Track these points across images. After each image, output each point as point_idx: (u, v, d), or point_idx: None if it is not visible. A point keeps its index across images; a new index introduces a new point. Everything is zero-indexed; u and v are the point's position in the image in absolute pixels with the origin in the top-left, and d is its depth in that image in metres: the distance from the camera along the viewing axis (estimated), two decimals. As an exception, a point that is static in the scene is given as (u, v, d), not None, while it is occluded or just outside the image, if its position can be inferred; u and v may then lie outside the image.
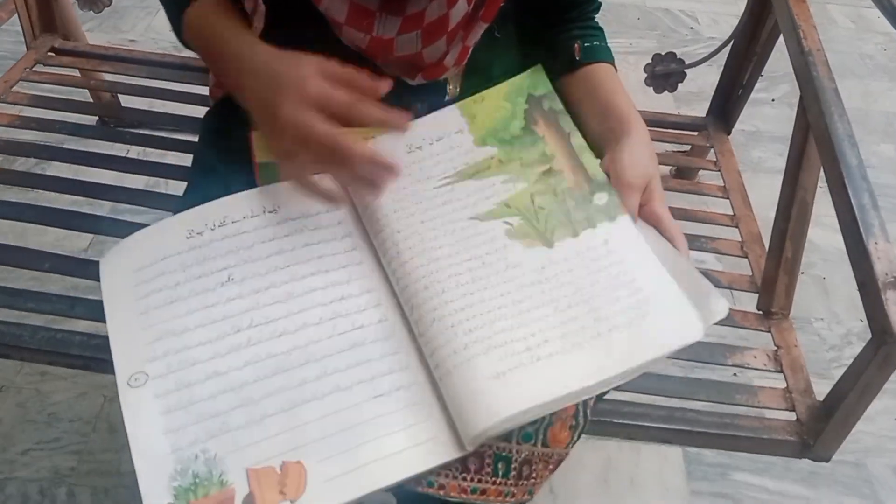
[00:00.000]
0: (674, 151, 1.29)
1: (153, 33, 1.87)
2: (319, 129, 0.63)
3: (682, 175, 1.33)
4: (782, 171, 0.94)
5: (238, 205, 0.72)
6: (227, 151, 0.81)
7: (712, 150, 1.18)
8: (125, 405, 0.61)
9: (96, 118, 1.44)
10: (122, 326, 0.66)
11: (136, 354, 0.64)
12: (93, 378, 1.18)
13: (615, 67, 0.84)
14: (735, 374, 1.12)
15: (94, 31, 1.77)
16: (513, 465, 0.64)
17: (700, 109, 1.30)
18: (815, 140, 0.86)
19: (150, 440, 0.60)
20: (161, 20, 1.90)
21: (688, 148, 1.25)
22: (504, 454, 0.63)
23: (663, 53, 1.17)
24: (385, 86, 0.65)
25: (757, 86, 1.20)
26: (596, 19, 0.86)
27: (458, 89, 0.84)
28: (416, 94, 0.82)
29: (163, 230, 0.73)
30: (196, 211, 0.72)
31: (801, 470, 1.20)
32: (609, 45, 0.84)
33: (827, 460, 0.82)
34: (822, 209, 0.87)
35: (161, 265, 0.69)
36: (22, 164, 1.34)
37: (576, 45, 0.83)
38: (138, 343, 0.64)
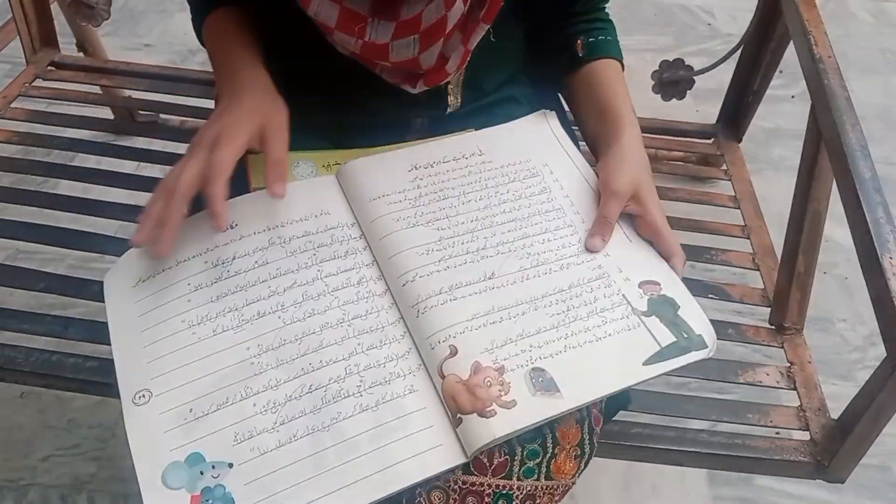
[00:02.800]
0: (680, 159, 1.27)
1: (169, 37, 1.85)
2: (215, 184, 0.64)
3: (679, 183, 1.30)
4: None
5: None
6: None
7: (722, 158, 1.16)
8: (128, 423, 0.61)
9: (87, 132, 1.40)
10: (125, 343, 0.66)
11: (139, 372, 0.63)
12: None
13: (621, 62, 0.83)
14: (732, 391, 1.09)
15: (111, 37, 1.76)
16: (514, 502, 0.62)
17: (717, 105, 1.27)
18: (828, 151, 0.83)
19: (153, 458, 0.59)
20: (177, 24, 1.88)
21: (683, 154, 1.23)
22: (504, 492, 0.62)
23: (671, 59, 1.15)
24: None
25: (776, 82, 1.16)
26: (607, 11, 0.84)
27: (458, 101, 0.83)
28: (415, 109, 0.81)
29: None
30: (188, 221, 0.71)
31: (825, 472, 1.17)
32: (623, 41, 0.83)
33: (842, 482, 0.79)
34: (844, 208, 0.85)
35: (160, 279, 0.68)
36: (20, 181, 1.33)
37: (578, 42, 0.81)
38: (141, 360, 0.64)
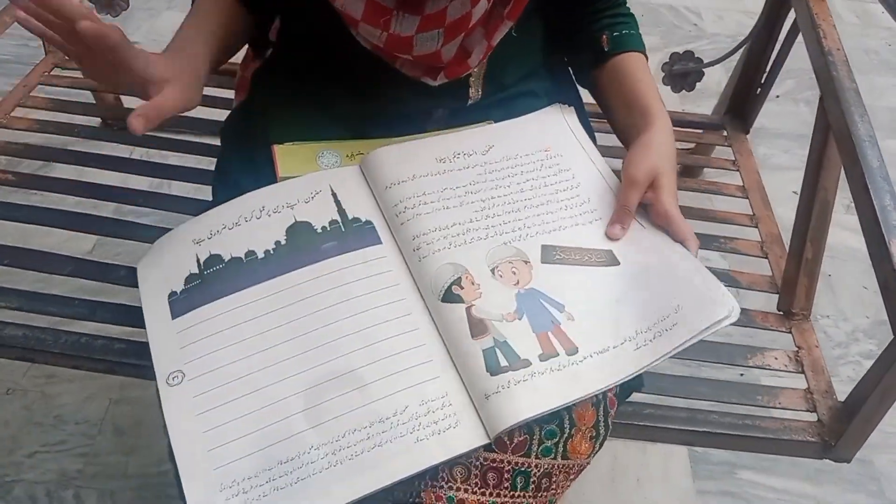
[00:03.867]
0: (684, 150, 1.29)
1: (156, 34, 1.85)
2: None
3: (688, 174, 1.33)
4: (788, 168, 0.93)
5: (254, 203, 0.73)
6: (250, 161, 0.82)
7: (731, 150, 1.18)
8: (164, 402, 0.63)
9: (99, 120, 1.43)
10: (159, 327, 0.68)
11: (172, 354, 0.66)
12: (99, 381, 1.19)
13: (645, 55, 0.84)
14: (742, 374, 1.12)
15: (98, 35, 1.77)
16: (532, 479, 0.64)
17: (706, 107, 1.29)
18: (836, 141, 0.85)
19: (189, 438, 0.61)
20: (164, 22, 1.88)
21: (692, 146, 1.25)
22: (523, 469, 0.64)
23: (681, 52, 1.17)
24: None
25: (761, 82, 1.18)
26: (627, 5, 0.86)
27: (479, 93, 0.84)
28: (436, 100, 0.82)
29: (181, 235, 0.74)
30: (208, 216, 0.74)
31: (806, 467, 1.20)
32: None
33: (848, 461, 0.81)
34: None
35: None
36: (27, 166, 1.33)
37: (604, 37, 0.83)
38: (175, 343, 0.66)
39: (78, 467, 1.12)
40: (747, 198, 1.09)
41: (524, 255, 0.70)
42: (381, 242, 0.71)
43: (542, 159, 0.78)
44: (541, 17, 0.84)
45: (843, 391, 0.84)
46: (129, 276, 0.88)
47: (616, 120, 0.84)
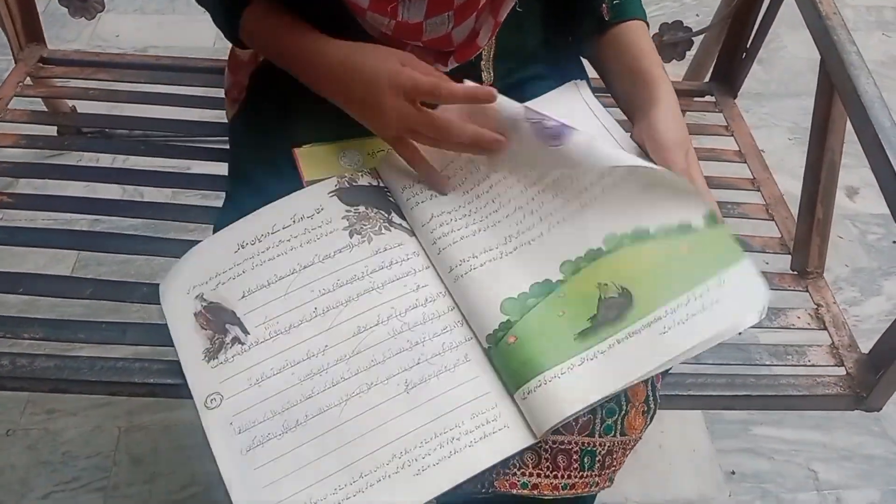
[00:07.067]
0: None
1: (98, 39, 1.74)
2: (420, 117, 0.70)
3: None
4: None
5: (283, 210, 0.72)
6: (266, 162, 0.80)
7: (721, 116, 1.20)
8: (206, 427, 0.62)
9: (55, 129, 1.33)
10: (190, 349, 0.66)
11: (207, 376, 0.64)
12: (103, 410, 1.16)
13: (646, 22, 0.84)
14: (755, 336, 1.16)
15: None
16: (597, 458, 0.66)
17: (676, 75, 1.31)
18: (844, 104, 0.88)
19: (234, 459, 0.61)
20: (107, 25, 1.77)
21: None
22: (589, 448, 0.65)
23: (670, 22, 1.18)
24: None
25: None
26: None
27: (492, 76, 0.84)
28: None
29: (213, 247, 0.72)
30: (243, 222, 0.73)
31: (813, 417, 1.27)
32: None
33: (879, 409, 0.86)
34: (796, 160, 0.88)
35: (215, 283, 0.69)
36: (43, 186, 1.19)
37: (604, 5, 0.82)
38: (208, 364, 0.64)
39: (98, 503, 1.08)
40: (745, 162, 1.12)
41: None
42: (420, 261, 0.71)
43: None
44: None
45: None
46: (151, 294, 0.86)
47: (619, 90, 0.84)
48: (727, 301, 0.65)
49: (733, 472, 1.20)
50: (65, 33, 1.72)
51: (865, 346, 0.88)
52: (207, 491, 1.09)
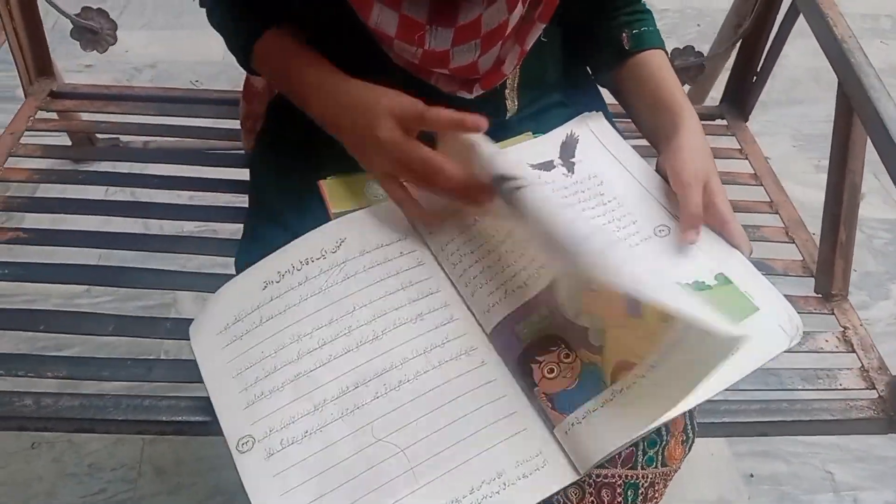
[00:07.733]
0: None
1: (109, 56, 1.71)
2: (415, 151, 0.68)
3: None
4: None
5: (312, 244, 0.71)
6: (289, 193, 0.79)
7: (734, 139, 1.21)
8: (241, 472, 0.61)
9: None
10: (221, 391, 0.65)
11: (238, 418, 0.63)
12: None
13: (666, 51, 0.84)
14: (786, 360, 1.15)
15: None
16: (640, 490, 0.65)
17: None
18: (865, 126, 0.88)
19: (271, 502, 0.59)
20: (119, 42, 1.79)
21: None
22: (632, 482, 0.64)
23: (682, 47, 1.19)
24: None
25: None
26: (643, 1, 0.86)
27: (516, 104, 0.84)
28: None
29: (240, 285, 0.71)
30: (271, 259, 0.71)
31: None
32: None
33: (912, 432, 0.85)
34: (799, 166, 0.89)
35: (244, 322, 0.68)
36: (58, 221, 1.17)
37: (623, 35, 0.82)
38: (238, 406, 0.64)
39: (123, 515, 1.08)
40: (761, 185, 1.12)
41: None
42: (431, 277, 0.70)
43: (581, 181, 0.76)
44: (558, 20, 0.84)
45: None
46: (175, 329, 0.84)
47: (642, 120, 0.84)
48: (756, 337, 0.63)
49: (751, 475, 1.21)
50: (74, 50, 1.72)
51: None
52: (231, 501, 1.10)
